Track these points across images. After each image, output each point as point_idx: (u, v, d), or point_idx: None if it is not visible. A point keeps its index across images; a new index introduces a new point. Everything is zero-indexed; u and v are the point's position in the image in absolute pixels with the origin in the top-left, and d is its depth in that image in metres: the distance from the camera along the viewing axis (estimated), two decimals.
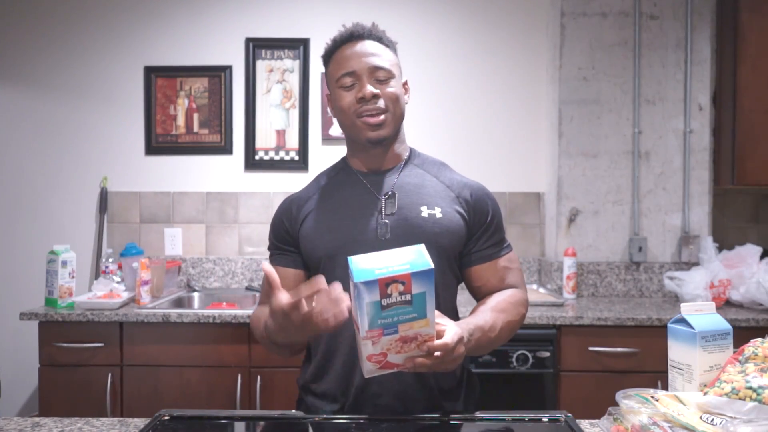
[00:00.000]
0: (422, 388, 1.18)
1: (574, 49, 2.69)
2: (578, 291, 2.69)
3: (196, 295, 2.74)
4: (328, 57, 1.27)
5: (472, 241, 1.26)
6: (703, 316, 1.02)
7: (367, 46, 1.23)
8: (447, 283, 1.24)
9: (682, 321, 1.02)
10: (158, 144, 2.93)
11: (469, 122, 2.93)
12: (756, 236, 2.83)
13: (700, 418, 0.86)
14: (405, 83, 1.30)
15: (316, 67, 2.91)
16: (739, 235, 2.83)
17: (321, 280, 0.96)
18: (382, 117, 1.20)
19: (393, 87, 1.22)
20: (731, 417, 0.85)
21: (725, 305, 2.43)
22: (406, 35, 2.93)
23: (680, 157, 2.69)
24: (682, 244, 2.67)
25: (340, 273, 1.17)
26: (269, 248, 1.34)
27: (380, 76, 1.21)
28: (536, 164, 2.93)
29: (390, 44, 1.28)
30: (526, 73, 2.93)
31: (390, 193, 1.24)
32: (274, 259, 1.30)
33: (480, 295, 1.29)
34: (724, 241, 2.76)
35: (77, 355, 2.28)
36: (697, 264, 2.62)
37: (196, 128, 2.93)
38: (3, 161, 2.96)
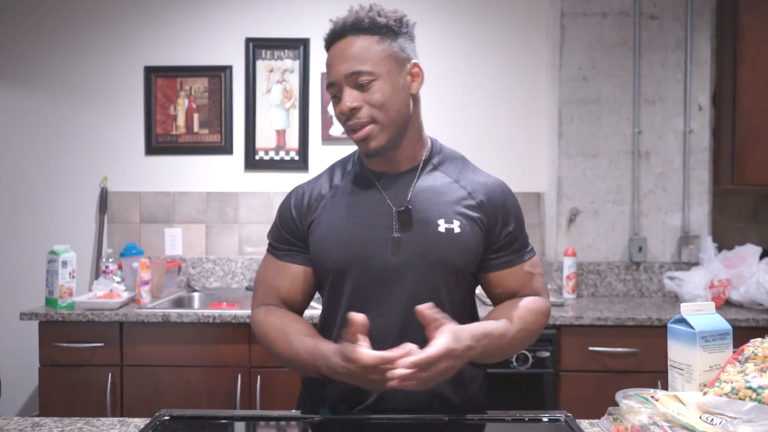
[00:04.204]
0: (454, 386, 1.14)
1: (574, 49, 2.69)
2: (578, 291, 2.69)
3: (196, 295, 2.74)
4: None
5: (494, 248, 1.18)
6: (703, 316, 1.02)
7: (347, 45, 1.10)
8: (459, 299, 1.18)
9: (682, 321, 1.02)
10: (158, 144, 2.93)
11: (469, 122, 2.93)
12: (756, 236, 2.83)
13: (700, 418, 0.86)
14: (412, 68, 1.14)
15: (316, 67, 2.91)
16: (739, 235, 2.83)
17: (411, 347, 0.94)
18: (365, 130, 1.09)
19: (377, 91, 1.08)
20: (731, 417, 0.85)
21: (725, 305, 2.43)
22: None
23: (680, 157, 2.69)
24: (682, 244, 2.68)
25: (349, 288, 1.14)
26: (274, 240, 1.24)
27: (362, 80, 1.08)
28: (536, 164, 2.93)
29: (383, 29, 1.10)
30: (526, 73, 2.93)
31: (404, 208, 1.14)
32: (284, 255, 1.21)
33: (499, 300, 1.22)
34: (724, 241, 2.76)
35: (77, 355, 2.28)
36: (697, 264, 2.62)
37: (196, 128, 2.93)
38: (3, 161, 2.96)
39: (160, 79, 2.93)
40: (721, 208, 2.84)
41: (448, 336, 0.98)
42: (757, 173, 2.53)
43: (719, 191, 2.78)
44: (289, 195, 1.24)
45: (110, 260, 2.65)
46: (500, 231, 1.18)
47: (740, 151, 2.54)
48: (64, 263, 2.39)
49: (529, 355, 2.20)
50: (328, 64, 1.13)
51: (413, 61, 1.14)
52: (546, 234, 2.89)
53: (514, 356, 2.19)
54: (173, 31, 2.94)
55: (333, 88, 1.13)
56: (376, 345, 1.09)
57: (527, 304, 1.17)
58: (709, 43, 2.68)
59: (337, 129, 2.90)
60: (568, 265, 2.58)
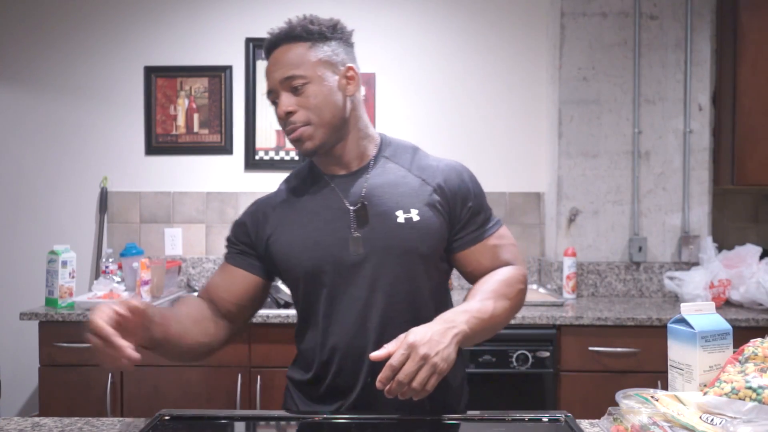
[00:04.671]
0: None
1: (574, 49, 2.69)
2: (578, 291, 2.69)
3: (196, 295, 2.74)
4: None
5: (458, 228, 1.20)
6: (703, 316, 1.02)
7: (282, 53, 1.15)
8: (433, 288, 1.20)
9: (682, 321, 1.02)
10: (158, 144, 2.93)
11: (469, 122, 2.93)
12: (756, 236, 2.83)
13: (700, 418, 0.86)
14: (347, 71, 1.18)
15: None
16: (739, 235, 2.83)
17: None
18: (298, 131, 1.14)
19: (311, 94, 1.13)
20: (731, 417, 0.85)
21: (725, 305, 2.43)
22: (406, 35, 2.94)
23: (680, 157, 2.69)
24: (682, 244, 2.67)
25: (324, 293, 1.15)
26: (227, 245, 1.27)
27: (295, 84, 1.13)
28: (536, 164, 2.93)
29: (315, 36, 1.15)
30: (526, 73, 2.93)
31: (360, 204, 1.16)
32: (230, 257, 1.25)
33: (474, 279, 1.23)
34: (724, 241, 2.76)
35: (77, 355, 2.28)
36: (697, 264, 2.62)
37: (196, 128, 2.93)
38: (3, 161, 2.96)
39: (160, 79, 2.93)
40: (721, 208, 2.84)
41: (403, 335, 0.99)
42: (757, 173, 2.53)
43: (719, 191, 2.78)
44: (247, 208, 1.28)
45: (110, 260, 2.65)
46: (461, 210, 1.20)
47: (740, 151, 2.54)
48: (64, 263, 2.39)
49: (529, 355, 2.20)
50: (266, 73, 1.18)
51: (348, 64, 1.18)
52: (546, 234, 2.89)
53: (514, 356, 2.19)
54: (173, 31, 2.94)
55: (271, 95, 1.17)
56: (359, 344, 1.10)
57: (504, 277, 1.18)
58: (709, 43, 2.68)
59: None
60: (568, 265, 2.58)
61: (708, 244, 2.55)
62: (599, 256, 2.71)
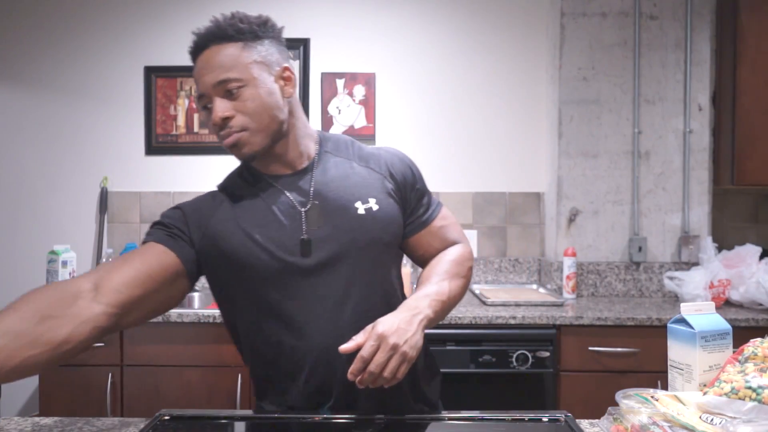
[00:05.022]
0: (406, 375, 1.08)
1: (573, 49, 2.69)
2: (578, 291, 2.69)
3: (196, 295, 2.74)
4: None
5: (408, 212, 1.20)
6: (702, 316, 1.02)
7: (212, 55, 1.08)
8: (397, 275, 1.21)
9: (682, 321, 1.02)
10: (158, 144, 2.93)
11: (468, 122, 2.93)
12: (755, 236, 2.83)
13: (700, 417, 0.86)
14: (283, 72, 1.12)
15: (316, 67, 2.91)
16: (739, 235, 2.83)
17: None
18: (234, 137, 1.07)
19: (248, 98, 1.07)
20: (731, 417, 0.85)
21: (725, 305, 2.43)
22: (405, 36, 2.94)
23: (680, 157, 2.69)
24: (681, 244, 2.68)
25: (291, 297, 1.10)
26: (155, 227, 1.13)
27: (230, 87, 1.06)
28: (536, 164, 2.93)
29: (246, 35, 1.09)
30: (526, 73, 2.93)
31: (310, 204, 1.12)
32: (156, 235, 1.10)
33: (425, 262, 1.25)
34: (724, 241, 2.76)
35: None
36: (696, 264, 2.62)
37: (196, 128, 2.93)
38: (3, 161, 2.96)
39: (160, 79, 2.93)
40: (721, 208, 2.84)
41: (370, 326, 1.00)
42: (757, 173, 2.53)
43: (719, 191, 2.78)
44: (181, 205, 1.16)
45: (110, 260, 2.65)
46: (410, 194, 1.20)
47: (740, 151, 2.54)
48: (64, 263, 2.39)
49: (529, 355, 2.20)
50: (196, 77, 1.10)
51: (283, 65, 1.13)
52: (546, 234, 2.89)
53: (514, 356, 2.19)
54: (173, 31, 2.94)
55: (203, 100, 1.10)
56: (335, 344, 1.05)
57: (453, 257, 1.21)
58: (709, 43, 2.68)
59: (337, 129, 2.90)
60: (568, 265, 2.58)
61: (708, 244, 2.55)
62: (599, 256, 2.71)
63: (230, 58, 1.07)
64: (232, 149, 1.09)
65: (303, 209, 1.12)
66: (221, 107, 1.07)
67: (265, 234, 1.10)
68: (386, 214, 1.14)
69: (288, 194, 1.13)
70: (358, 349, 0.98)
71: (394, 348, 0.97)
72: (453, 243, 1.25)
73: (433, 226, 1.23)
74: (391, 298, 1.17)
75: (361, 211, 1.12)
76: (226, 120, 1.07)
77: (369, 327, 1.01)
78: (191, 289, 1.17)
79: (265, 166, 1.16)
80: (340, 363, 1.08)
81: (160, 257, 1.07)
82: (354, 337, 1.00)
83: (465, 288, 1.21)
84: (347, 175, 1.16)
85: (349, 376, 0.98)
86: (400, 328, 0.99)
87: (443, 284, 1.14)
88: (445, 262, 1.20)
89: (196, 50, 1.11)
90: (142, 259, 1.05)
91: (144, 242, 1.11)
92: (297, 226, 1.11)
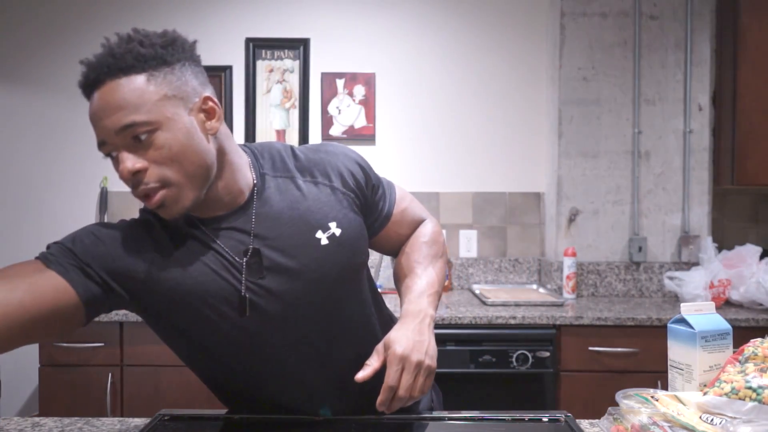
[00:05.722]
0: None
1: (573, 49, 2.70)
2: (578, 291, 2.69)
3: None
4: None
5: (370, 210, 1.10)
6: (702, 316, 1.02)
7: (109, 92, 0.84)
8: (372, 287, 1.13)
9: (682, 321, 1.02)
10: None
11: (468, 122, 2.93)
12: (756, 236, 2.83)
13: (700, 418, 0.86)
14: (203, 103, 0.91)
15: (316, 67, 2.91)
16: (739, 235, 2.83)
17: None
18: (158, 197, 0.87)
19: (162, 144, 0.85)
20: (731, 417, 0.85)
21: (725, 305, 2.43)
22: (405, 36, 2.94)
23: (680, 157, 2.69)
24: (681, 244, 2.68)
25: (247, 375, 1.01)
26: (54, 249, 0.91)
27: (138, 133, 0.84)
28: (536, 164, 2.93)
29: (150, 62, 0.85)
30: (526, 73, 2.93)
31: (251, 250, 0.94)
32: (55, 262, 0.88)
33: (396, 250, 1.18)
34: (724, 241, 2.76)
35: (77, 355, 2.28)
36: (697, 264, 2.62)
37: None
38: (3, 161, 2.96)
39: None
40: (721, 208, 2.84)
41: (381, 347, 0.97)
42: (757, 173, 2.53)
43: (719, 191, 2.78)
44: (94, 232, 0.96)
45: None
46: (367, 193, 1.08)
47: (740, 151, 2.54)
48: None
49: (529, 355, 2.20)
50: (92, 119, 0.86)
51: (203, 94, 0.91)
52: (546, 234, 2.89)
53: (514, 356, 2.19)
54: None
55: (105, 147, 0.87)
56: (332, 381, 1.03)
57: (422, 238, 1.16)
58: (709, 44, 2.68)
59: (337, 129, 2.90)
60: (568, 265, 2.58)
61: (708, 244, 2.55)
62: (599, 256, 2.71)
63: (134, 95, 0.84)
64: (159, 210, 0.90)
65: (242, 261, 0.94)
66: (129, 160, 0.85)
67: (203, 291, 0.93)
68: (351, 234, 1.01)
69: (222, 245, 0.95)
70: (374, 372, 0.94)
71: (419, 366, 0.93)
72: (419, 221, 1.19)
73: (396, 214, 1.14)
74: (371, 317, 1.10)
75: (324, 241, 0.97)
76: (138, 174, 0.86)
77: (380, 347, 0.96)
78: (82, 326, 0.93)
79: (199, 211, 0.97)
80: (350, 389, 1.02)
81: (61, 295, 0.86)
82: (368, 362, 0.95)
83: (445, 265, 1.17)
84: (296, 201, 0.98)
85: (379, 407, 0.93)
86: (416, 341, 0.95)
87: (429, 272, 1.10)
88: (420, 246, 1.14)
89: (87, 86, 0.87)
90: (38, 290, 0.84)
91: (43, 260, 0.89)
92: (237, 278, 0.94)
